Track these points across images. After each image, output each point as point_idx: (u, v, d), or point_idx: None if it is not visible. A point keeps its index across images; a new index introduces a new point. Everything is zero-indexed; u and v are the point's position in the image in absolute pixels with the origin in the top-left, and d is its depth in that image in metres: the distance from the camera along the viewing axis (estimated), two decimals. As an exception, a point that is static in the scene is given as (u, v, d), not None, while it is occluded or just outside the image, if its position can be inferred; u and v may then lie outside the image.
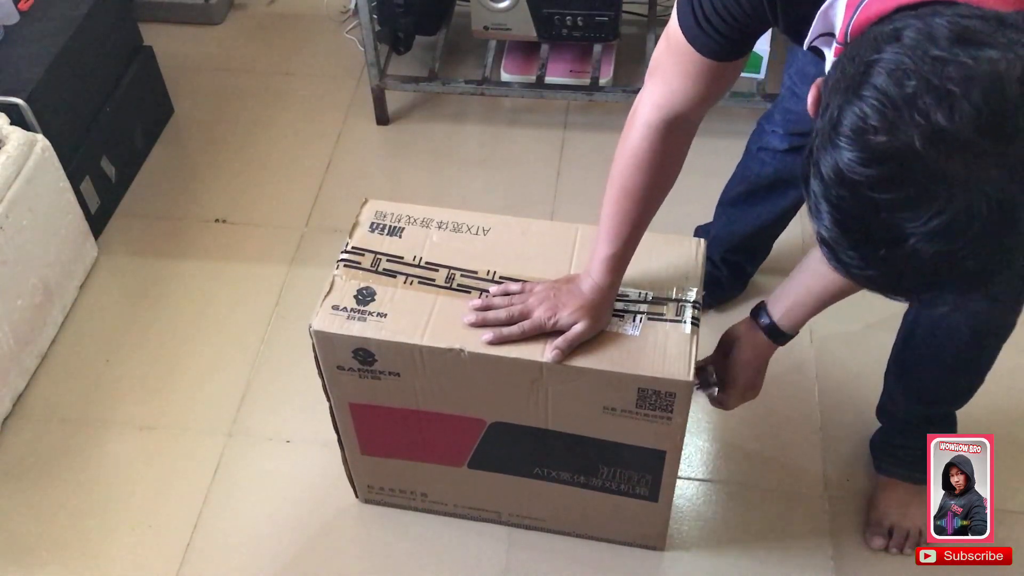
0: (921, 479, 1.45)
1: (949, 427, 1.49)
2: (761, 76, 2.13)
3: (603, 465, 1.35)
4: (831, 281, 1.18)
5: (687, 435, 1.31)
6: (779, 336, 1.27)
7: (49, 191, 1.77)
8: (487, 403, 1.30)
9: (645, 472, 1.34)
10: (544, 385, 1.23)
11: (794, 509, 1.56)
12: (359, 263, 1.31)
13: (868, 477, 1.58)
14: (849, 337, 1.79)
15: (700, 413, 1.68)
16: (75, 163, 1.89)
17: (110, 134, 2.03)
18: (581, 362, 1.20)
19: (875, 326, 1.80)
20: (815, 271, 1.21)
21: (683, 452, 1.35)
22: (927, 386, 1.46)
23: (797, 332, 1.28)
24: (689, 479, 1.60)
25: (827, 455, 1.62)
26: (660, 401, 1.20)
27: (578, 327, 1.19)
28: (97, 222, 1.99)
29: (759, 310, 1.28)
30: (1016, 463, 1.60)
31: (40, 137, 1.74)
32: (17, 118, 1.73)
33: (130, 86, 2.10)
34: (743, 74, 2.12)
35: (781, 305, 1.26)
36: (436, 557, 1.51)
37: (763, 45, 2.10)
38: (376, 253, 1.32)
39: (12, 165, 1.66)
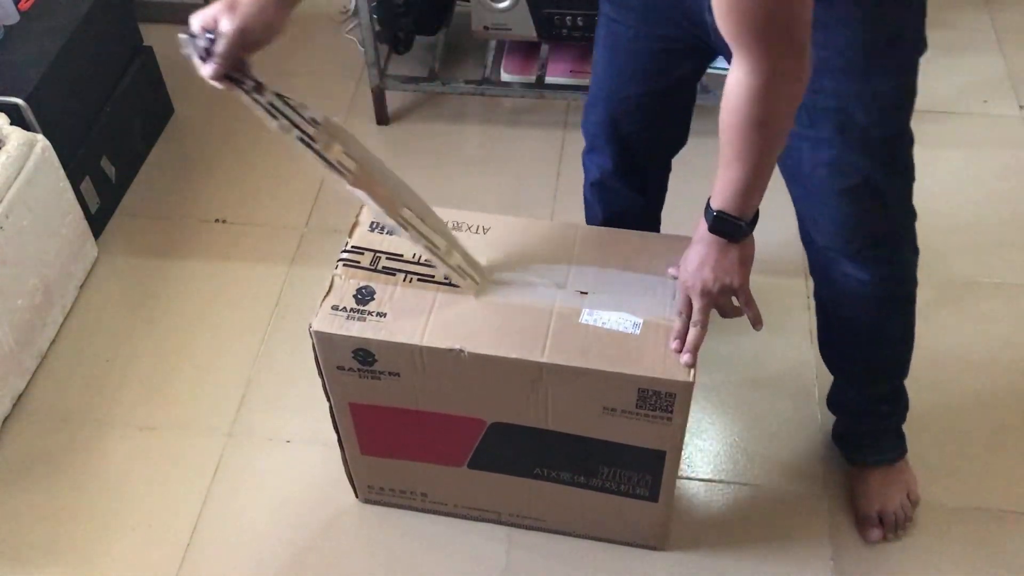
0: (891, 459, 1.51)
1: (898, 402, 1.50)
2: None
3: (603, 465, 1.35)
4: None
5: (687, 435, 1.31)
6: (718, 221, 1.17)
7: (49, 191, 1.77)
8: (487, 403, 1.30)
9: (645, 472, 1.34)
10: (544, 385, 1.23)
11: (794, 509, 1.56)
12: (358, 262, 1.31)
13: (843, 472, 1.59)
14: (849, 337, 1.79)
15: (700, 413, 1.68)
16: (75, 163, 1.89)
17: (110, 134, 2.03)
18: (581, 362, 1.20)
19: (875, 326, 1.81)
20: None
21: (683, 452, 1.35)
22: (856, 363, 1.48)
23: (746, 216, 1.16)
24: (689, 479, 1.60)
25: (827, 455, 1.62)
26: (660, 401, 1.20)
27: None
28: (97, 222, 1.99)
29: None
30: (1016, 463, 1.60)
31: (40, 137, 1.74)
32: (17, 118, 1.73)
33: (130, 86, 2.10)
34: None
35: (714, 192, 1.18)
36: (436, 557, 1.51)
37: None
38: (375, 252, 1.32)
39: (12, 165, 1.66)
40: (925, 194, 2.04)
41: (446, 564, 1.50)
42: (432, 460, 1.44)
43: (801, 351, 1.76)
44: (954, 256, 1.92)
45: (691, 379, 1.18)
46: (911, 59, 1.17)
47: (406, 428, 1.37)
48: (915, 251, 1.36)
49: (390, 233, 1.35)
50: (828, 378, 1.72)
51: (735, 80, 1.04)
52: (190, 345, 1.82)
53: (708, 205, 1.17)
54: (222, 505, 1.58)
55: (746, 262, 1.20)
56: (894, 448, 1.52)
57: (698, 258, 1.19)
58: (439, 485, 1.49)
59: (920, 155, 2.14)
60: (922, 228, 1.97)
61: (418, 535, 1.53)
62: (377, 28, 2.19)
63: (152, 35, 2.24)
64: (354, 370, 1.28)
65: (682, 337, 1.22)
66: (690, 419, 1.24)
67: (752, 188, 1.13)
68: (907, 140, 1.25)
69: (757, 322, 1.23)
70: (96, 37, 1.97)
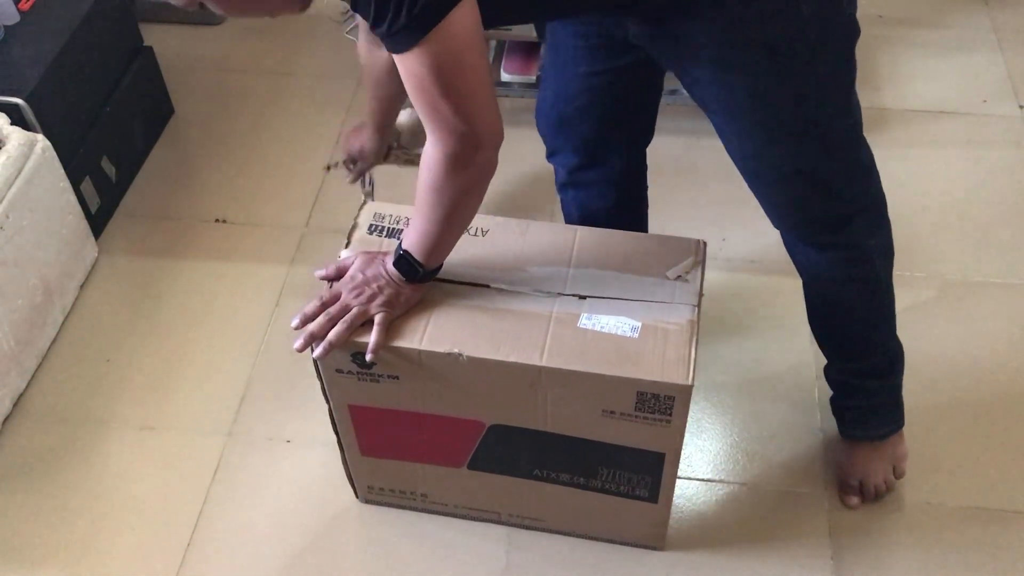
0: (880, 435, 1.52)
1: (887, 379, 1.51)
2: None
3: (602, 467, 1.35)
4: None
5: (687, 435, 1.31)
6: (401, 260, 1.22)
7: (49, 191, 1.77)
8: (486, 406, 1.30)
9: (645, 474, 1.34)
10: (543, 388, 1.23)
11: (794, 509, 1.56)
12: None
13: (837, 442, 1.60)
14: (849, 337, 1.79)
15: (700, 414, 1.68)
16: (75, 163, 1.89)
17: (110, 134, 2.03)
18: (579, 366, 1.19)
19: (875, 326, 1.81)
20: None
21: (683, 452, 1.35)
22: (835, 341, 1.51)
23: (428, 265, 1.22)
24: (689, 479, 1.60)
25: (827, 455, 1.62)
26: (659, 404, 1.20)
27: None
28: (97, 222, 1.99)
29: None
30: (1016, 463, 1.60)
31: (40, 137, 1.74)
32: (17, 118, 1.73)
33: (130, 86, 2.10)
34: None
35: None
36: (436, 557, 1.51)
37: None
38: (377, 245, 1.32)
39: (12, 165, 1.66)
40: (925, 194, 2.06)
41: (446, 564, 1.50)
42: (432, 461, 1.44)
43: (801, 351, 1.76)
44: (954, 256, 1.92)
45: (690, 382, 1.18)
46: (824, 45, 1.17)
47: (405, 430, 1.37)
48: (875, 234, 1.39)
49: (389, 236, 1.35)
50: (828, 378, 1.72)
51: (427, 151, 1.12)
52: (190, 345, 1.82)
53: (399, 243, 1.22)
54: (222, 505, 1.58)
55: (407, 305, 1.24)
56: (883, 425, 1.53)
57: (374, 272, 1.24)
58: (439, 486, 1.49)
59: (920, 155, 2.14)
60: (922, 227, 1.98)
61: (418, 535, 1.53)
62: (377, 28, 2.19)
63: (152, 35, 2.24)
64: (353, 373, 1.28)
65: (308, 320, 1.23)
66: (690, 419, 1.24)
67: (433, 245, 1.20)
68: (845, 124, 1.26)
69: (371, 351, 1.23)
70: (96, 37, 1.97)
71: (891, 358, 1.51)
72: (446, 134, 1.08)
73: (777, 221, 1.36)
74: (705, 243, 1.34)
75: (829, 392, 1.60)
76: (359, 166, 1.70)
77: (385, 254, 1.26)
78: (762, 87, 1.18)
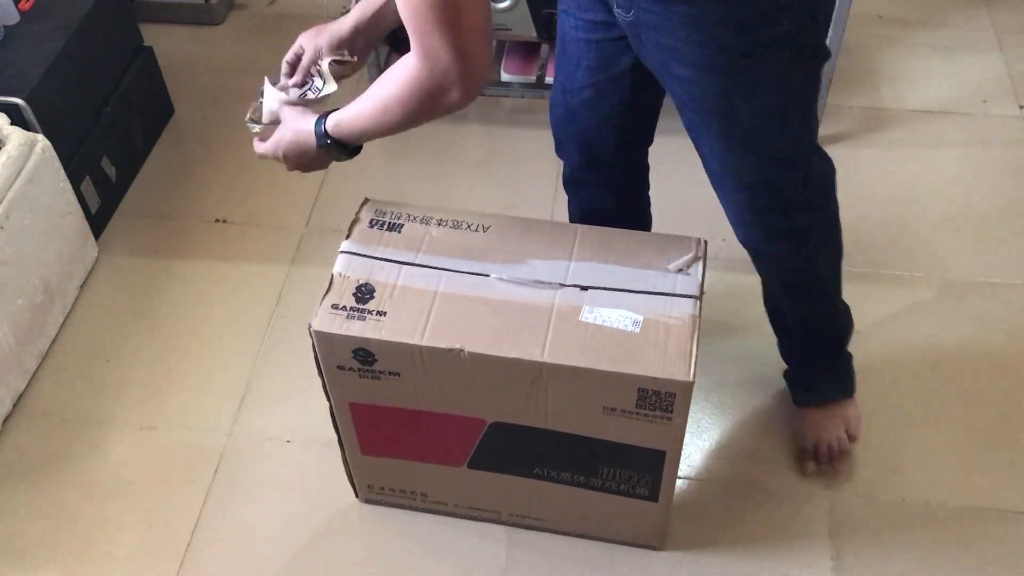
0: (831, 399, 1.59)
1: (837, 352, 1.58)
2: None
3: (603, 465, 1.35)
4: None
5: (687, 435, 1.31)
6: (319, 138, 1.26)
7: (49, 191, 1.77)
8: (487, 403, 1.30)
9: (645, 472, 1.34)
10: (544, 385, 1.23)
11: (794, 509, 1.56)
12: (358, 257, 1.31)
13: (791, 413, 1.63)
14: (849, 337, 1.79)
15: (700, 413, 1.68)
16: (75, 163, 1.89)
17: (110, 134, 2.03)
18: (581, 362, 1.19)
19: (875, 326, 1.80)
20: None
21: (683, 452, 1.35)
22: (785, 323, 1.56)
23: (345, 141, 1.26)
24: (689, 479, 1.60)
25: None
26: (660, 401, 1.20)
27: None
28: (97, 222, 1.99)
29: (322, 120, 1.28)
30: (1016, 463, 1.60)
31: (40, 137, 1.74)
32: (17, 118, 1.73)
33: (130, 86, 2.10)
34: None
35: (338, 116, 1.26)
36: (436, 557, 1.51)
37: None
38: (375, 247, 1.32)
39: (12, 165, 1.66)
40: (925, 194, 2.06)
41: (446, 564, 1.50)
42: (432, 460, 1.44)
43: (801, 351, 1.76)
44: (954, 256, 1.92)
45: (691, 379, 1.18)
46: (798, 62, 1.20)
47: (406, 428, 1.37)
48: (828, 242, 1.45)
49: (390, 230, 1.35)
50: (828, 378, 1.72)
51: (405, 58, 1.11)
52: (190, 345, 1.82)
53: (323, 116, 1.25)
54: (222, 505, 1.58)
55: (302, 157, 1.30)
56: (834, 390, 1.59)
57: (290, 136, 1.30)
58: (439, 485, 1.49)
59: (920, 155, 2.15)
60: (922, 227, 1.98)
61: (418, 535, 1.53)
62: (377, 28, 2.19)
63: (152, 35, 2.24)
64: (354, 370, 1.28)
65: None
66: (690, 419, 1.24)
67: (357, 136, 1.24)
68: (803, 140, 1.31)
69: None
70: (96, 37, 1.97)
71: (839, 333, 1.57)
72: (429, 63, 1.07)
73: (735, 225, 1.40)
74: (706, 241, 1.34)
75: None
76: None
77: (309, 116, 1.29)
78: (735, 93, 1.20)
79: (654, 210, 1.67)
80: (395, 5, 1.07)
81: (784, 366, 1.64)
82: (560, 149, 1.54)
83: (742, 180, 1.32)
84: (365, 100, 1.19)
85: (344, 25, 1.40)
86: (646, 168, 1.58)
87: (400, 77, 1.12)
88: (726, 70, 1.18)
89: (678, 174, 1.67)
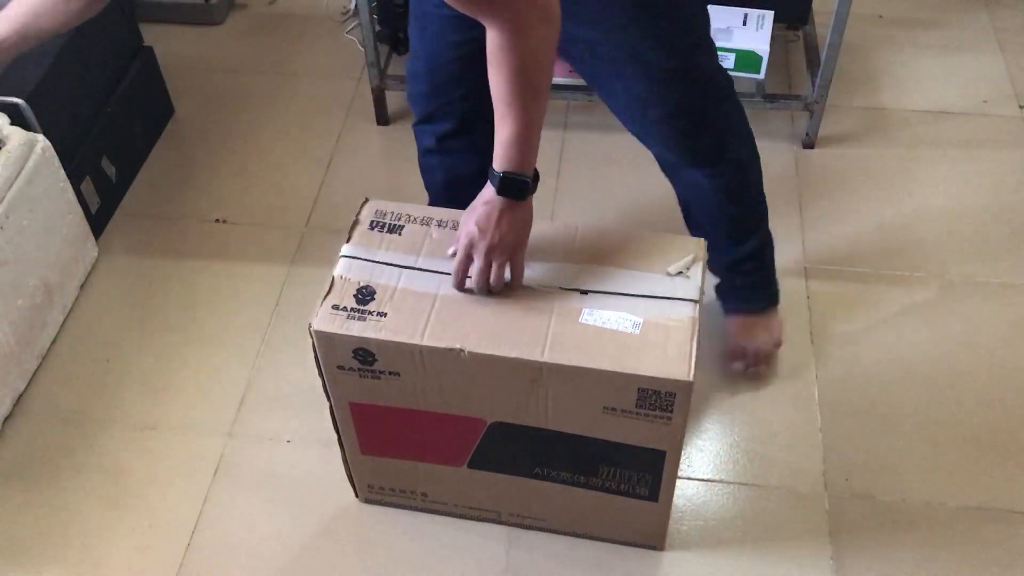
0: (758, 308, 1.72)
1: (762, 259, 1.67)
2: (761, 76, 2.13)
3: (603, 465, 1.35)
4: None
5: (687, 435, 1.31)
6: (505, 182, 1.22)
7: (49, 191, 1.77)
8: (487, 403, 1.30)
9: (645, 472, 1.34)
10: (544, 385, 1.23)
11: (794, 509, 1.56)
12: (359, 261, 1.31)
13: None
14: (849, 337, 1.79)
15: (700, 414, 1.68)
16: (75, 163, 1.89)
17: (110, 134, 2.03)
18: (581, 361, 1.20)
19: (875, 326, 1.81)
20: None
21: (683, 452, 1.35)
22: (715, 236, 1.59)
23: (528, 172, 1.23)
24: (689, 479, 1.60)
25: (827, 455, 1.62)
26: (660, 401, 1.20)
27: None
28: (97, 222, 1.99)
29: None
30: (1016, 463, 1.60)
31: (40, 137, 1.74)
32: (17, 118, 1.73)
33: (130, 86, 2.10)
34: (743, 74, 2.14)
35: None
36: (436, 557, 1.51)
37: (763, 45, 2.10)
38: (376, 251, 1.32)
39: (12, 165, 1.66)
40: (925, 194, 2.06)
41: (446, 564, 1.50)
42: (432, 460, 1.44)
43: (801, 351, 1.76)
44: (953, 256, 1.92)
45: (691, 378, 1.17)
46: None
47: (406, 428, 1.37)
48: (744, 146, 1.57)
49: (390, 232, 1.35)
50: (828, 378, 1.73)
51: (488, 40, 1.15)
52: (190, 345, 1.82)
53: (492, 170, 1.22)
54: (222, 505, 1.58)
55: (528, 224, 1.27)
56: (761, 299, 1.71)
57: (486, 219, 1.23)
58: (439, 485, 1.49)
59: (920, 155, 2.15)
60: (922, 227, 1.98)
61: (418, 535, 1.53)
62: (377, 28, 2.19)
63: (152, 35, 2.24)
64: (354, 370, 1.28)
65: (461, 280, 1.26)
66: (690, 419, 1.24)
67: (527, 139, 1.20)
68: (704, 60, 1.44)
69: (517, 287, 1.28)
70: (96, 37, 1.97)
71: (763, 243, 1.67)
72: (508, 23, 1.11)
73: (665, 154, 1.53)
74: (706, 241, 1.34)
75: (829, 394, 1.60)
76: None
77: (478, 206, 1.25)
78: (644, 36, 1.32)
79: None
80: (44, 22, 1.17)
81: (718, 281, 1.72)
82: (425, 123, 1.60)
83: (667, 109, 1.42)
84: (502, 116, 1.19)
85: None
86: None
87: (503, 60, 1.14)
88: (634, 18, 1.28)
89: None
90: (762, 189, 1.62)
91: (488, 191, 1.24)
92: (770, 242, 1.68)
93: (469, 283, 1.26)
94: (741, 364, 1.71)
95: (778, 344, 1.72)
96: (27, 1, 1.42)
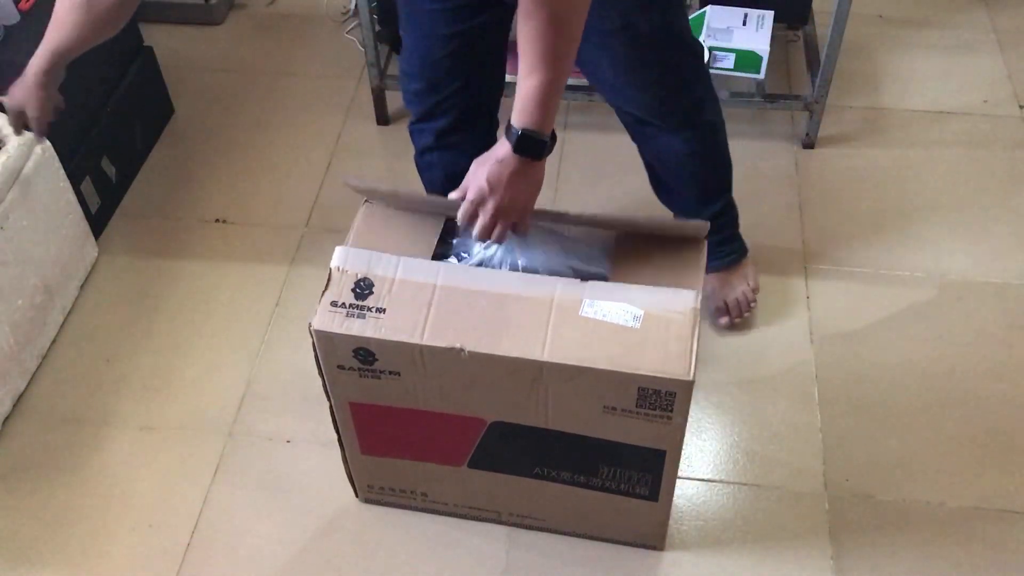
0: (730, 261, 1.78)
1: (728, 214, 1.75)
2: (761, 76, 2.13)
3: (603, 465, 1.35)
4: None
5: (687, 435, 1.31)
6: (523, 140, 1.19)
7: (49, 191, 1.77)
8: (487, 402, 1.30)
9: (645, 472, 1.34)
10: (544, 384, 1.23)
11: (794, 509, 1.56)
12: (356, 250, 1.30)
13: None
14: (849, 337, 1.79)
15: (700, 413, 1.68)
16: (75, 163, 1.89)
17: (110, 134, 2.03)
18: (581, 361, 1.19)
19: (875, 326, 1.81)
20: None
21: (683, 452, 1.35)
22: (687, 200, 1.70)
23: (546, 131, 1.20)
24: (689, 479, 1.60)
25: (827, 455, 1.62)
26: (660, 400, 1.20)
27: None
28: (97, 222, 1.99)
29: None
30: (1016, 463, 1.60)
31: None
32: (17, 118, 1.73)
33: (130, 86, 2.10)
34: (743, 74, 2.14)
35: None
36: (436, 557, 1.51)
37: (763, 45, 2.10)
38: (376, 243, 1.32)
39: (12, 165, 1.66)
40: (925, 193, 2.06)
41: (446, 564, 1.50)
42: (432, 460, 1.44)
43: (801, 351, 1.76)
44: (953, 256, 1.92)
45: (691, 377, 1.17)
46: None
47: (406, 427, 1.37)
48: (717, 111, 1.62)
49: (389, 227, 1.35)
50: (828, 378, 1.73)
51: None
52: (190, 345, 1.82)
53: (510, 126, 1.19)
54: (222, 505, 1.58)
55: (539, 186, 1.24)
56: (732, 252, 1.78)
57: (497, 177, 1.20)
58: (439, 485, 1.49)
59: (920, 155, 2.15)
60: (922, 227, 1.98)
61: (418, 535, 1.53)
62: (377, 28, 2.19)
63: (152, 35, 2.24)
64: (354, 369, 1.28)
65: (464, 228, 1.26)
66: (690, 419, 1.24)
67: (552, 96, 1.17)
68: (681, 18, 1.49)
69: (499, 238, 1.25)
70: (96, 37, 1.96)
71: (729, 201, 1.74)
72: None
73: (646, 120, 1.55)
74: (708, 223, 1.32)
75: (829, 394, 1.59)
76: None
77: (491, 161, 1.22)
78: (627, 11, 1.38)
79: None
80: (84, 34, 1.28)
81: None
82: (424, 121, 1.60)
83: (651, 74, 1.48)
84: (528, 69, 1.15)
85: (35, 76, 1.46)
86: (497, 109, 1.65)
87: (537, 8, 1.10)
88: None
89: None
90: (728, 150, 1.68)
91: (503, 147, 1.20)
92: (732, 199, 1.75)
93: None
94: (727, 319, 1.77)
95: (756, 289, 1.79)
96: (58, 23, 1.44)
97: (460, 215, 1.24)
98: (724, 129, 1.65)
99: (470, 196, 1.23)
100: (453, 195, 1.26)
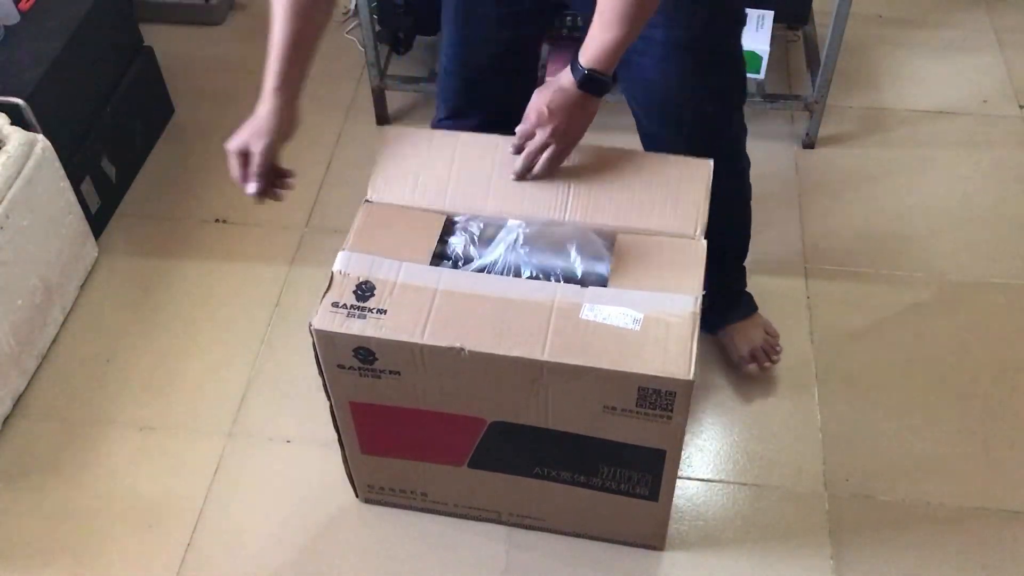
0: (745, 314, 1.74)
1: (742, 276, 1.74)
2: (761, 76, 2.13)
3: (603, 464, 1.35)
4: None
5: (687, 435, 1.31)
6: (588, 79, 1.28)
7: (49, 191, 1.77)
8: (487, 402, 1.30)
9: (645, 471, 1.34)
10: (544, 384, 1.23)
11: (794, 509, 1.56)
12: (358, 254, 1.30)
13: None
14: (849, 337, 1.79)
15: (700, 413, 1.68)
16: (75, 163, 1.89)
17: (110, 134, 2.03)
18: (581, 360, 1.19)
19: (875, 326, 1.81)
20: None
21: (683, 452, 1.35)
22: (733, 245, 1.69)
23: (610, 73, 1.28)
24: (689, 479, 1.60)
25: (827, 455, 1.62)
26: (660, 400, 1.20)
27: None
28: (97, 222, 1.99)
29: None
30: (1017, 463, 1.60)
31: (40, 137, 1.74)
32: (17, 118, 1.73)
33: (130, 86, 2.10)
34: (743, 74, 2.13)
35: (585, 52, 1.29)
36: (436, 557, 1.51)
37: (763, 45, 2.09)
38: (376, 242, 1.32)
39: (12, 165, 1.66)
40: (925, 194, 2.06)
41: (446, 564, 1.50)
42: (432, 459, 1.44)
43: (801, 351, 1.76)
44: (954, 256, 1.92)
45: (691, 377, 1.17)
46: None
47: (406, 427, 1.37)
48: (746, 158, 1.60)
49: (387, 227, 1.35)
50: (828, 378, 1.73)
51: None
52: (190, 345, 1.82)
53: (577, 63, 1.27)
54: (222, 505, 1.58)
55: (590, 121, 1.34)
56: (746, 306, 1.75)
57: (560, 104, 1.30)
58: (439, 485, 1.49)
59: (920, 155, 2.15)
60: (922, 227, 1.98)
61: (418, 535, 1.53)
62: (377, 28, 2.19)
63: (152, 35, 2.24)
64: (355, 368, 1.28)
65: (520, 146, 1.34)
66: (690, 419, 1.24)
67: (623, 49, 1.26)
68: (735, 44, 1.47)
69: (545, 164, 1.34)
70: (96, 37, 1.97)
71: (744, 260, 1.74)
72: None
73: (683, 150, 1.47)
74: (711, 161, 1.37)
75: (829, 394, 1.59)
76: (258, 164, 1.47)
77: (552, 90, 1.31)
78: (715, 16, 1.39)
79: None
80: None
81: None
82: (450, 119, 1.61)
83: (716, 55, 1.43)
84: (608, 23, 1.23)
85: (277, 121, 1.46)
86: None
87: None
88: (669, 6, 1.30)
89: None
90: (750, 212, 1.67)
91: (566, 79, 1.29)
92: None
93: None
94: (754, 365, 1.71)
95: (776, 334, 1.75)
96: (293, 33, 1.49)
97: (519, 132, 1.34)
98: (748, 189, 1.64)
99: (531, 118, 1.32)
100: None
